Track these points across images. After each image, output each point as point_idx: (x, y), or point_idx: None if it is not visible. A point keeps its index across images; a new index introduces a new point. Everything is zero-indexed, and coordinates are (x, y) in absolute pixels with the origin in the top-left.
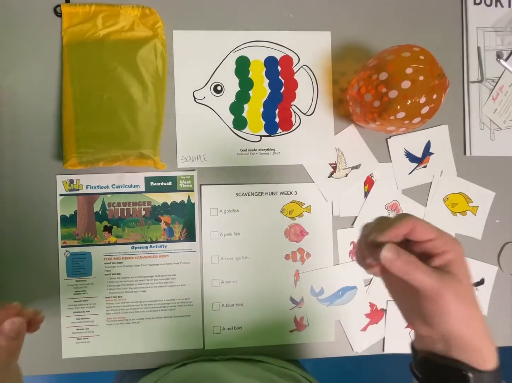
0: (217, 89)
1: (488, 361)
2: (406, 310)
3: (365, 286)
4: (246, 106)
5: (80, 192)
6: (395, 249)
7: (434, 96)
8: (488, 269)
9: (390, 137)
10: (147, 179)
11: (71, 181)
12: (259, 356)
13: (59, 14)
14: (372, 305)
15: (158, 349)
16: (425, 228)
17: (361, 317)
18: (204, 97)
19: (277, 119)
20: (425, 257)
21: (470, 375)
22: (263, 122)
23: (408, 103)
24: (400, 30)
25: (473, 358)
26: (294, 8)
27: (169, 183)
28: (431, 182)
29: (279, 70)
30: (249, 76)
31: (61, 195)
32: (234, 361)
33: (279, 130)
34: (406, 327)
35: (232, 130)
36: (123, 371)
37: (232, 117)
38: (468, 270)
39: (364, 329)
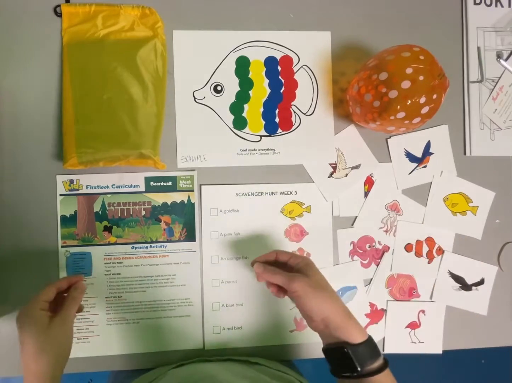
0: (217, 89)
1: (357, 335)
2: (304, 318)
3: (365, 286)
4: (246, 106)
5: (80, 192)
6: (260, 265)
7: (434, 96)
8: (488, 269)
9: (390, 137)
10: (147, 179)
11: (71, 181)
12: (256, 358)
13: (59, 14)
14: (372, 305)
15: (158, 349)
16: (283, 253)
17: (361, 317)
18: (204, 97)
19: (277, 119)
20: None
21: (346, 349)
22: (263, 122)
23: (408, 103)
24: (400, 30)
25: (346, 335)
26: (294, 8)
27: (169, 183)
28: (431, 182)
29: (279, 70)
30: (249, 76)
31: (61, 195)
32: (230, 362)
33: (279, 130)
34: (406, 327)
35: (232, 130)
36: (117, 371)
37: (232, 117)
38: (317, 270)
39: (364, 329)
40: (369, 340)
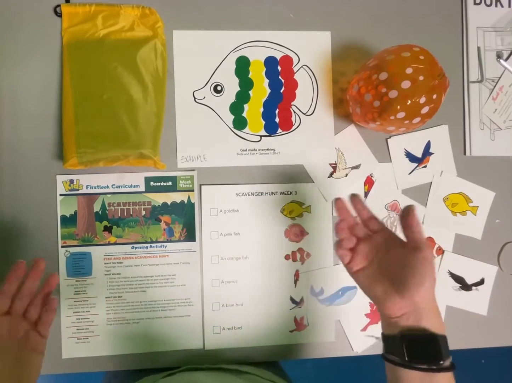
0: (217, 89)
1: (443, 328)
2: (383, 292)
3: None
4: (246, 106)
5: (80, 192)
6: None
7: (434, 96)
8: (488, 269)
9: (390, 137)
10: (147, 179)
11: (71, 181)
12: (246, 366)
13: (59, 14)
14: (372, 305)
15: (158, 349)
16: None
17: (361, 317)
18: (204, 97)
19: (277, 119)
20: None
21: (438, 340)
22: (263, 122)
23: (408, 103)
24: (400, 30)
25: (436, 325)
26: (294, 8)
27: (169, 183)
28: (431, 182)
29: (279, 70)
30: (249, 76)
31: (61, 195)
32: (220, 372)
33: (279, 130)
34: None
35: (232, 130)
36: (111, 373)
37: (232, 117)
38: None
39: (364, 329)
40: (446, 336)
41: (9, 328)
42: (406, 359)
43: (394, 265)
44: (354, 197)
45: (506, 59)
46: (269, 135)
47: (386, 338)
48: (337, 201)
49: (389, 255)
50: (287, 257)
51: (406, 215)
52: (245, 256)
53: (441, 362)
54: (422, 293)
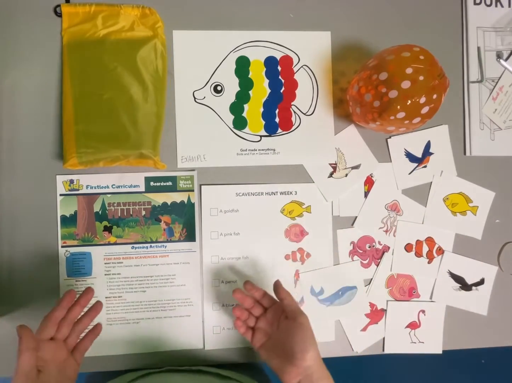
0: (217, 89)
1: None
2: (279, 364)
3: (365, 286)
4: (246, 106)
5: (80, 191)
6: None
7: (434, 96)
8: (488, 269)
9: (390, 137)
10: (147, 179)
11: (71, 181)
12: (228, 371)
13: (59, 14)
14: (372, 305)
15: (158, 349)
16: (279, 289)
17: (361, 317)
18: (204, 97)
19: (277, 119)
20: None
21: None
22: (263, 122)
23: (408, 103)
24: (400, 30)
25: None
26: (294, 8)
27: (169, 183)
28: (431, 182)
29: (279, 70)
30: (249, 76)
31: (61, 195)
32: (200, 374)
33: (279, 130)
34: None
35: (232, 130)
36: (92, 373)
37: (232, 117)
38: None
39: (364, 329)
40: None
41: (53, 353)
42: None
43: (283, 336)
44: (246, 284)
45: (506, 59)
46: (269, 135)
47: None
48: (235, 292)
49: (279, 328)
50: (287, 257)
51: (275, 290)
52: (245, 256)
53: None
54: (308, 358)
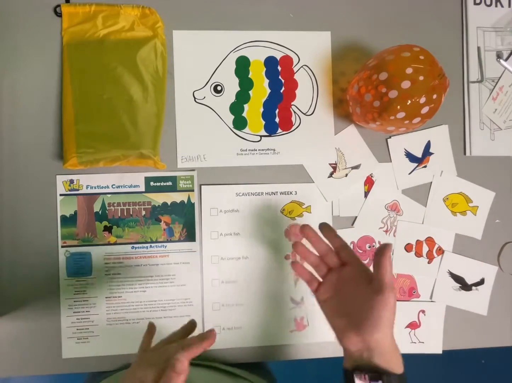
0: (217, 89)
1: (398, 367)
2: (341, 326)
3: None
4: (246, 106)
5: (80, 191)
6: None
7: (434, 96)
8: (488, 269)
9: (390, 137)
10: (147, 179)
11: (71, 181)
12: (239, 370)
13: (59, 14)
14: None
15: None
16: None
17: None
18: (204, 97)
19: (277, 119)
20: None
21: (385, 377)
22: (263, 122)
23: (408, 103)
24: (400, 30)
25: (388, 364)
26: (294, 8)
27: (169, 183)
28: (431, 182)
29: (279, 70)
30: (249, 76)
31: (61, 195)
32: (213, 371)
33: (279, 130)
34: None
35: (232, 130)
36: (92, 373)
37: (232, 117)
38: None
39: None
40: (404, 374)
41: None
42: None
43: (357, 301)
44: (325, 227)
45: (506, 59)
46: (269, 135)
47: (344, 371)
48: (304, 228)
49: (354, 290)
50: (287, 257)
51: (381, 254)
52: (245, 256)
53: None
54: (376, 335)
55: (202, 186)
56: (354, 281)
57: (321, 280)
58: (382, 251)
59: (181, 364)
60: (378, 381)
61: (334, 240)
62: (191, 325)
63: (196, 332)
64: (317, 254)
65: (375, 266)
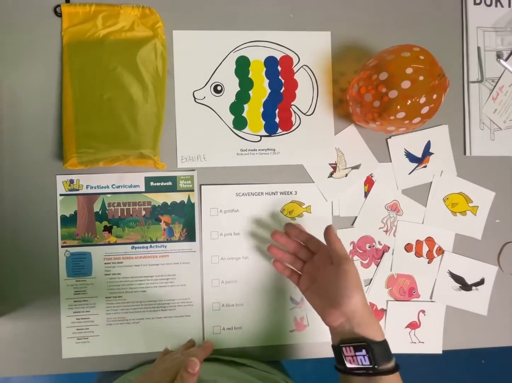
0: (217, 89)
1: (378, 334)
2: (322, 306)
3: (365, 286)
4: (246, 106)
5: (80, 191)
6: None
7: (434, 96)
8: (488, 269)
9: (390, 137)
10: (147, 179)
11: (71, 181)
12: (242, 359)
13: (59, 14)
14: (372, 305)
15: (158, 349)
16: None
17: None
18: (204, 97)
19: (277, 119)
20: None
21: (367, 345)
22: (263, 122)
23: (408, 103)
24: (400, 30)
25: (368, 332)
26: (294, 8)
27: (169, 183)
28: (431, 182)
29: (279, 70)
30: (249, 76)
31: (61, 194)
32: (216, 363)
33: (279, 130)
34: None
35: (232, 130)
36: (102, 373)
37: (232, 117)
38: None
39: None
40: (386, 341)
41: None
42: (346, 366)
43: (329, 280)
44: (288, 226)
45: (506, 59)
46: (269, 135)
47: (333, 348)
48: (275, 234)
49: (325, 272)
50: None
51: (327, 234)
52: (245, 256)
53: (376, 366)
54: (353, 303)
55: (202, 186)
56: (323, 265)
57: (300, 273)
58: (327, 232)
59: (195, 364)
60: (362, 350)
61: (300, 236)
62: (190, 343)
63: (196, 333)
64: (290, 251)
65: (327, 245)
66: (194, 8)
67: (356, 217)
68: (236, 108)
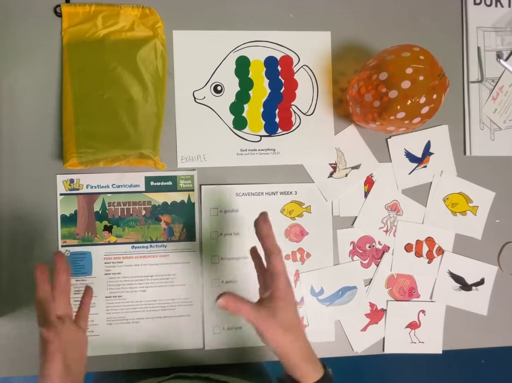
0: (217, 89)
1: (310, 376)
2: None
3: (365, 286)
4: (246, 106)
5: (80, 191)
6: (227, 296)
7: (434, 96)
8: (488, 269)
9: (390, 137)
10: (147, 179)
11: (71, 181)
12: (236, 379)
13: (59, 14)
14: (372, 305)
15: (158, 349)
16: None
17: (361, 317)
18: (204, 97)
19: (277, 119)
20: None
21: None
22: (263, 122)
23: (408, 103)
24: (400, 30)
25: (299, 375)
26: (294, 8)
27: (169, 183)
28: (431, 182)
29: (279, 70)
30: (249, 76)
31: (61, 194)
32: (209, 382)
33: (279, 130)
34: (406, 327)
35: (232, 130)
36: (101, 374)
37: (232, 117)
38: (289, 302)
39: (364, 329)
40: (323, 377)
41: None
42: None
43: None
44: (261, 225)
45: (506, 59)
46: (269, 135)
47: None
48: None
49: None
50: (287, 257)
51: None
52: (245, 256)
53: None
54: (278, 347)
55: (202, 186)
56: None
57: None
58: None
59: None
60: None
61: (265, 241)
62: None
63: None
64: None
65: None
66: (194, 8)
67: (356, 217)
68: (236, 108)
